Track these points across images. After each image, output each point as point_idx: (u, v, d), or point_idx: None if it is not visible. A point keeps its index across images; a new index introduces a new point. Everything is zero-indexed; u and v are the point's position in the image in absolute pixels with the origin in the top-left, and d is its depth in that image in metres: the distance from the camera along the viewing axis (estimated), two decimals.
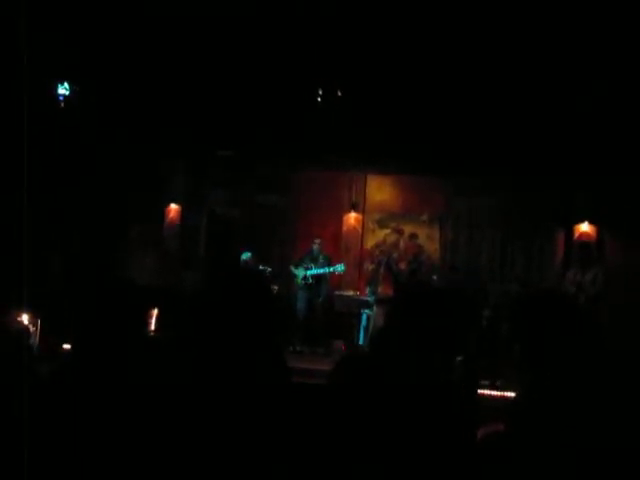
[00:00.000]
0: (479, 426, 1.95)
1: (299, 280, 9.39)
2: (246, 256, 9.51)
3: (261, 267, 9.30)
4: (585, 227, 9.85)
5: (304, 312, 9.39)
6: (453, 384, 1.92)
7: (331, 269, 9.32)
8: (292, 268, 9.54)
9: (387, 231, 11.08)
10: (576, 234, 9.92)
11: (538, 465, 1.55)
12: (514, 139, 8.94)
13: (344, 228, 11.13)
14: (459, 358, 2.17)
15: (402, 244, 10.93)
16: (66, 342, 7.53)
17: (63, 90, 8.84)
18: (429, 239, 10.85)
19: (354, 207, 11.06)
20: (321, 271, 9.32)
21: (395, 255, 10.32)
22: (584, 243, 8.92)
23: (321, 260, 9.40)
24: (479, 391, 6.34)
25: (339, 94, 8.63)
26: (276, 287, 9.01)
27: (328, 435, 1.65)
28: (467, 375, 2.06)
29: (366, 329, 9.26)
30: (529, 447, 1.58)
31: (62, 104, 8.86)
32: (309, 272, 9.33)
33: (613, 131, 8.34)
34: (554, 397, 1.63)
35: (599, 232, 9.79)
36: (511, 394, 6.45)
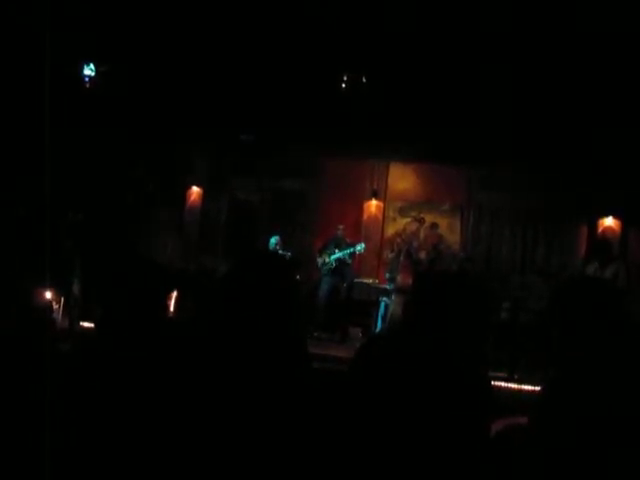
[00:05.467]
0: (495, 418, 1.94)
1: (324, 267, 9.43)
2: (275, 240, 9.56)
3: (281, 252, 9.32)
4: (609, 221, 9.71)
5: (326, 298, 9.41)
6: (468, 373, 1.91)
7: (351, 249, 9.36)
8: (318, 258, 9.58)
9: (408, 220, 11.03)
10: (599, 228, 9.80)
11: (561, 461, 1.54)
12: (539, 130, 8.84)
13: (365, 216, 11.11)
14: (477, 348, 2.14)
15: (422, 233, 10.88)
16: (85, 320, 7.66)
17: (89, 71, 8.89)
18: (450, 229, 10.79)
19: (375, 195, 11.02)
20: (343, 253, 9.35)
21: (415, 244, 10.28)
22: (603, 239, 8.82)
23: (344, 246, 9.45)
24: (496, 383, 6.32)
25: (363, 81, 8.58)
26: (298, 276, 9.03)
27: (345, 420, 1.65)
28: (481, 365, 2.04)
29: (384, 317, 9.25)
30: (553, 442, 1.56)
31: (87, 85, 8.92)
32: (332, 257, 9.37)
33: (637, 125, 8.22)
34: (583, 391, 1.61)
35: (623, 227, 9.65)
36: (529, 387, 6.42)
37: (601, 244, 8.32)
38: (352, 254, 9.44)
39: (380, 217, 11.11)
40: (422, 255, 9.73)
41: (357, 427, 1.70)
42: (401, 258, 9.18)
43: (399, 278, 8.90)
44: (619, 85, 7.68)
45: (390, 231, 11.06)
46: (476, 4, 6.74)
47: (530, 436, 1.63)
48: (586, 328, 1.71)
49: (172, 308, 8.47)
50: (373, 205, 11.09)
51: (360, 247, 9.48)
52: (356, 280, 10.16)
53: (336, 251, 9.41)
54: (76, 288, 8.33)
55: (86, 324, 7.55)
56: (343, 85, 8.67)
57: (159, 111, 9.65)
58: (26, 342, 2.23)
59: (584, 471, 1.53)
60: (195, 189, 11.37)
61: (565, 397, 1.64)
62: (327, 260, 9.43)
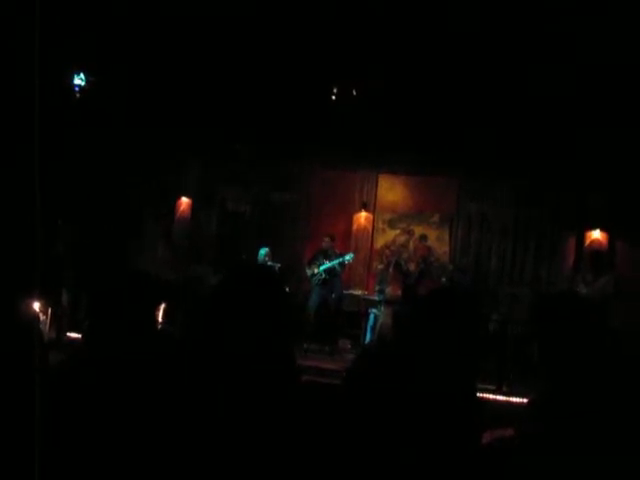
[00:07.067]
0: (484, 430, 1.94)
1: (314, 278, 9.40)
2: (264, 251, 9.55)
3: (270, 263, 9.31)
4: (597, 234, 9.79)
5: (316, 310, 9.39)
6: (458, 386, 1.92)
7: (340, 259, 9.35)
8: (307, 270, 9.56)
9: (397, 231, 11.07)
10: (587, 240, 9.87)
11: (548, 472, 1.54)
12: (528, 143, 8.91)
13: (354, 227, 11.13)
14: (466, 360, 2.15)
15: (412, 245, 10.91)
16: (73, 331, 7.61)
17: (79, 81, 8.88)
18: (439, 241, 10.82)
19: (365, 206, 11.05)
20: (332, 263, 9.33)
21: (404, 256, 10.31)
22: (597, 251, 8.90)
23: (333, 257, 9.43)
24: (484, 395, 6.33)
25: (353, 93, 8.63)
26: (287, 288, 8.98)
27: (338, 432, 1.65)
28: (470, 377, 2.05)
29: (373, 328, 9.25)
30: (540, 453, 1.57)
31: (77, 95, 8.91)
32: (322, 267, 9.35)
33: (627, 138, 8.30)
34: (570, 404, 1.62)
35: (610, 239, 9.73)
36: (517, 399, 6.44)
37: (595, 255, 8.41)
38: (342, 264, 9.43)
39: (369, 229, 11.13)
40: (411, 267, 9.76)
41: (351, 439, 1.70)
42: (390, 270, 9.20)
43: (388, 290, 8.92)
44: (607, 100, 7.76)
45: (379, 243, 11.09)
46: (465, 17, 6.80)
47: (518, 448, 1.64)
48: (568, 342, 1.72)
49: (160, 319, 8.43)
50: (362, 217, 11.11)
51: (349, 257, 9.48)
52: (345, 291, 10.16)
53: (325, 262, 9.39)
54: (64, 299, 8.28)
55: (74, 335, 7.50)
56: (333, 97, 8.72)
57: (150, 121, 9.65)
58: (13, 353, 2.22)
59: None
60: (185, 200, 11.35)
61: (553, 411, 1.65)
62: (316, 271, 9.40)
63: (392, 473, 1.62)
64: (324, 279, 9.37)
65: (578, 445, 1.56)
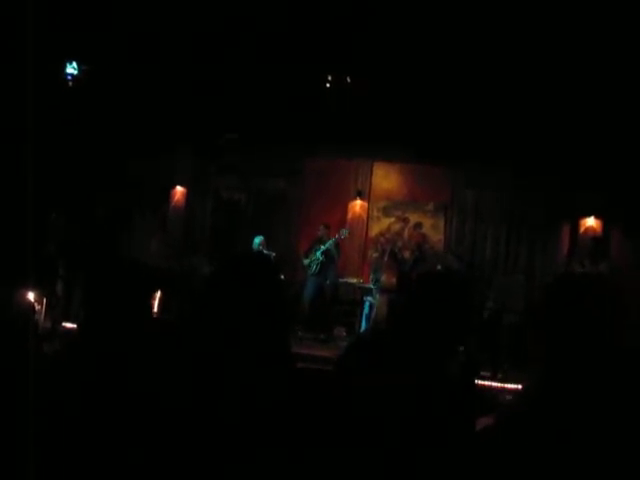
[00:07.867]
0: (478, 416, 1.95)
1: (311, 264, 9.44)
2: (259, 239, 9.56)
3: (265, 252, 9.31)
4: (591, 221, 9.82)
5: (311, 298, 9.42)
6: (453, 373, 1.93)
7: (336, 236, 9.41)
8: (304, 259, 9.59)
9: (392, 219, 11.07)
10: (582, 228, 9.90)
11: (538, 458, 1.55)
12: (522, 130, 8.91)
13: (349, 215, 11.12)
14: (460, 348, 2.16)
15: (406, 233, 10.91)
16: (68, 320, 7.61)
17: (71, 69, 8.82)
18: (434, 229, 10.83)
19: (360, 194, 11.04)
20: (328, 244, 9.38)
21: (399, 244, 10.31)
22: (595, 237, 8.97)
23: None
24: (480, 382, 6.37)
25: (348, 81, 8.60)
26: (282, 275, 9.03)
27: (333, 418, 1.66)
28: (467, 365, 2.06)
29: (368, 316, 9.28)
30: (531, 440, 1.58)
31: (70, 84, 8.85)
32: (318, 252, 9.39)
33: (620, 127, 8.31)
34: (567, 391, 1.62)
35: (604, 227, 9.76)
36: (511, 386, 6.48)
37: (594, 241, 8.46)
38: (337, 243, 9.48)
39: (364, 217, 11.13)
40: (406, 255, 9.77)
41: (344, 424, 1.71)
42: (385, 258, 9.21)
43: (383, 278, 8.93)
44: (600, 89, 7.76)
45: (374, 231, 11.09)
46: (460, 8, 6.78)
47: (510, 435, 1.64)
48: (569, 328, 1.71)
49: (156, 308, 8.44)
50: (357, 205, 11.11)
51: (344, 232, 9.56)
52: (341, 280, 10.18)
53: (321, 247, 9.45)
54: (59, 289, 8.27)
55: (68, 325, 7.50)
56: (328, 85, 8.68)
57: (143, 110, 9.60)
58: (8, 343, 2.21)
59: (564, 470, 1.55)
60: (179, 189, 11.32)
61: (547, 398, 1.65)
62: (313, 258, 9.44)
63: (385, 459, 1.63)
64: (321, 262, 9.39)
65: (570, 434, 1.56)
